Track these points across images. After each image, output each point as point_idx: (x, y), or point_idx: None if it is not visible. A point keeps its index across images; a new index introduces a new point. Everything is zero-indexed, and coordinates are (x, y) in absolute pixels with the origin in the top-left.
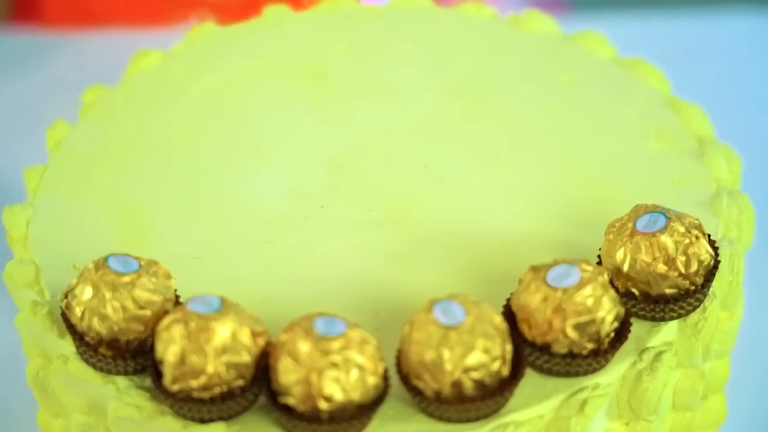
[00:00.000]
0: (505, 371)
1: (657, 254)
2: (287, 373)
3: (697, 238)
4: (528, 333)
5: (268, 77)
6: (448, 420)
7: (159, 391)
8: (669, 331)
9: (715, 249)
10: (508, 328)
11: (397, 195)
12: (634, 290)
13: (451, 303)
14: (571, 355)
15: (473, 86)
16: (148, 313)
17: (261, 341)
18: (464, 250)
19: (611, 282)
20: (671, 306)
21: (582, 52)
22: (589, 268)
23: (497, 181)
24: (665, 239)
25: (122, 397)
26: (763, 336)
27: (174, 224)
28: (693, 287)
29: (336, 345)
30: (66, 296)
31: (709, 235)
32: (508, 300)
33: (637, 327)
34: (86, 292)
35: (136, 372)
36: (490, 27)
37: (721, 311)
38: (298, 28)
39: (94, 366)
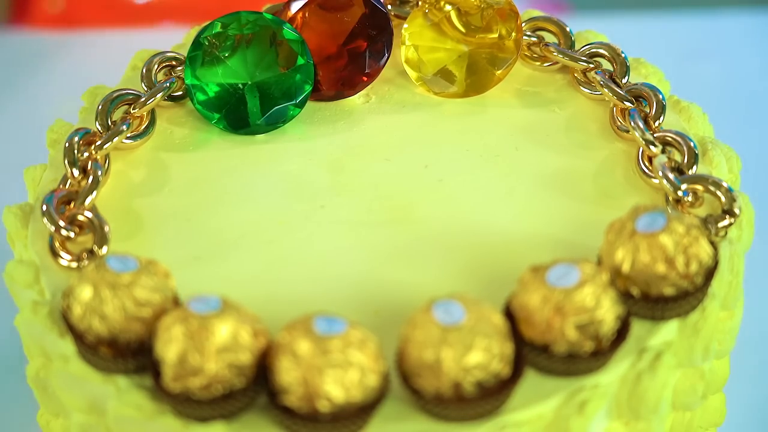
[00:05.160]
0: (505, 371)
1: (656, 254)
2: (287, 373)
3: (696, 238)
4: (528, 333)
5: None
6: (448, 419)
7: (159, 390)
8: (669, 331)
9: (715, 249)
10: (508, 327)
11: (397, 195)
12: (633, 290)
13: (451, 302)
14: (571, 354)
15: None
16: (147, 312)
17: (261, 341)
18: (464, 250)
19: (611, 282)
20: (671, 306)
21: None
22: (589, 268)
23: (497, 181)
24: (665, 239)
25: (122, 396)
26: (763, 336)
27: (174, 224)
28: (692, 287)
29: (336, 344)
30: (66, 296)
31: (708, 235)
32: (508, 300)
33: (636, 327)
34: (86, 292)
35: (136, 371)
36: None
37: (721, 311)
38: None
39: (94, 366)
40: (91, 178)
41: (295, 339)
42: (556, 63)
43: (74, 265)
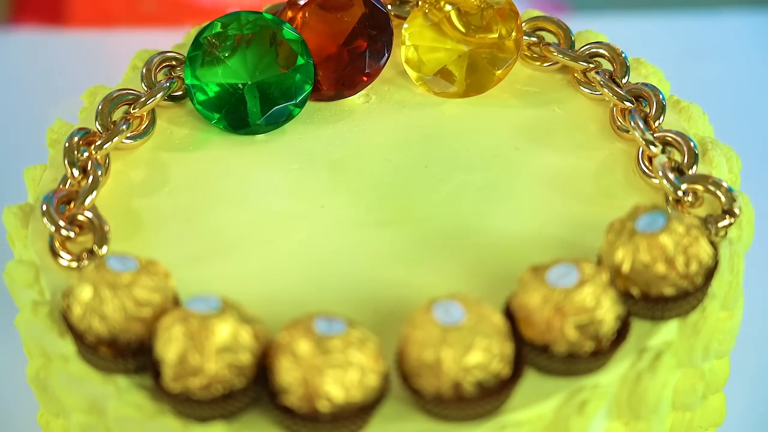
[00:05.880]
0: (505, 371)
1: (656, 254)
2: (287, 373)
3: (696, 238)
4: (528, 333)
5: None
6: (448, 419)
7: (159, 390)
8: (669, 331)
9: (715, 249)
10: (508, 327)
11: (397, 195)
12: (633, 290)
13: (451, 302)
14: (571, 354)
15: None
16: (147, 312)
17: (261, 341)
18: (464, 250)
19: (611, 282)
20: (671, 306)
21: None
22: (589, 268)
23: (497, 181)
24: (665, 239)
25: (122, 396)
26: (763, 336)
27: (174, 224)
28: (692, 287)
29: (336, 344)
30: (66, 296)
31: (708, 235)
32: (508, 300)
33: (636, 327)
34: (86, 292)
35: (136, 371)
36: None
37: (721, 311)
38: None
39: (94, 366)
40: (91, 178)
41: (295, 339)
42: (556, 63)
43: (74, 265)
